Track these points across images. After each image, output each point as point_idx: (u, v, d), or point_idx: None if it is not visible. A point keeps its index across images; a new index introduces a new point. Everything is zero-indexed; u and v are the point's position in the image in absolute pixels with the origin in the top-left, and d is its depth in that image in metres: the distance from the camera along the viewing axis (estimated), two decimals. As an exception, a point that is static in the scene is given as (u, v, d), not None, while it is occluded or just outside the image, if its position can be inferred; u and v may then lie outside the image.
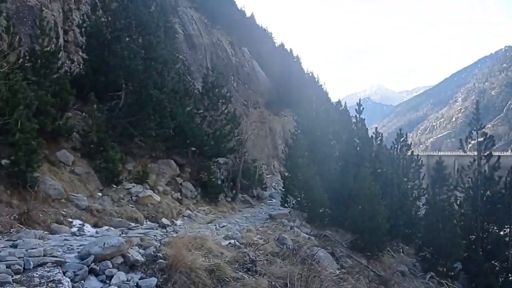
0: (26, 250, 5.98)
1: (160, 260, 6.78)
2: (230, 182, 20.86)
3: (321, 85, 61.00)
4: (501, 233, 19.24)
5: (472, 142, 20.35)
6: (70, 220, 9.40)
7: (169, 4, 30.31)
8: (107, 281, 5.85)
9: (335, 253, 13.90)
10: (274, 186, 30.09)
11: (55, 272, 5.50)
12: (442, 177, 22.13)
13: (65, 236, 8.29)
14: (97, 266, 6.01)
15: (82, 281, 5.63)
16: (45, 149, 10.52)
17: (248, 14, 57.74)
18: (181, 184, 16.72)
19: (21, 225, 8.01)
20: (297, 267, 9.31)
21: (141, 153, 16.01)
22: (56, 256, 6.04)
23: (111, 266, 6.13)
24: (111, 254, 6.26)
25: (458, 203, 19.25)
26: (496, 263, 19.02)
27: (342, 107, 30.69)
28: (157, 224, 11.58)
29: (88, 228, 9.38)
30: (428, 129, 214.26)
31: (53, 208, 9.42)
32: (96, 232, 9.19)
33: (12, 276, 5.18)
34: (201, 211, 15.38)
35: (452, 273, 17.51)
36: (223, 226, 12.95)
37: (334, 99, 52.94)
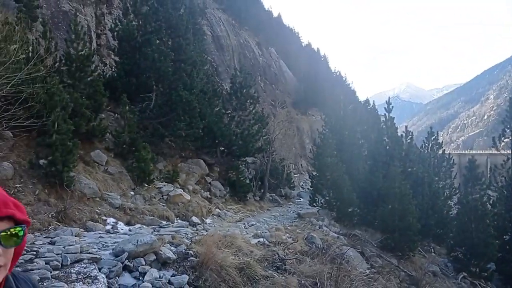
0: (64, 247, 6.20)
1: (191, 258, 6.89)
2: (258, 181, 20.93)
3: (349, 84, 60.28)
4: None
5: (506, 140, 19.77)
6: (104, 218, 9.69)
7: (197, 6, 30.69)
8: (140, 278, 5.98)
9: (365, 253, 13.77)
10: (302, 185, 29.96)
11: (91, 269, 5.67)
12: (474, 176, 21.58)
13: (99, 233, 8.56)
14: (131, 263, 6.16)
15: (117, 278, 5.78)
16: (80, 150, 10.88)
17: (275, 15, 57.67)
18: (210, 183, 16.92)
19: (58, 223, 8.33)
20: (326, 266, 9.28)
21: (171, 153, 16.30)
22: (92, 253, 6.24)
23: (144, 263, 6.27)
24: (144, 252, 6.41)
25: (491, 202, 18.65)
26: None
27: (370, 105, 30.32)
28: (188, 223, 11.77)
29: (121, 226, 9.64)
30: (459, 127, 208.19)
31: (88, 207, 9.74)
32: (129, 230, 9.43)
33: (51, 272, 5.38)
34: (230, 209, 15.53)
35: (486, 274, 16.99)
36: (252, 225, 13.04)
37: (362, 98, 52.30)
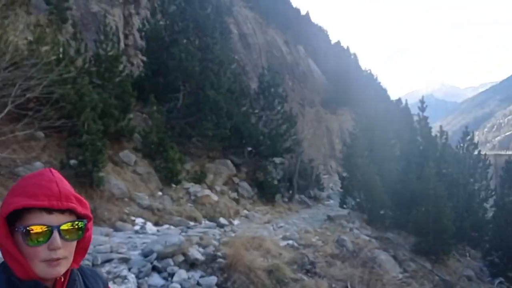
0: (94, 246, 6.22)
1: (220, 259, 6.81)
2: (286, 183, 20.71)
3: (380, 83, 59.15)
4: None
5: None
6: (133, 218, 9.71)
7: (224, 4, 30.68)
8: (169, 278, 5.98)
9: (398, 256, 13.39)
10: (332, 186, 29.57)
11: (121, 268, 5.69)
12: (511, 177, 20.72)
13: (128, 233, 8.58)
14: (159, 263, 6.15)
15: (146, 278, 5.79)
16: (109, 150, 10.95)
17: (303, 12, 57.22)
18: (237, 184, 16.82)
19: (88, 223, 8.35)
20: (357, 270, 9.12)
21: (199, 153, 16.29)
22: (121, 253, 6.25)
23: (172, 263, 6.25)
24: (172, 252, 6.38)
25: (530, 205, 17.86)
26: None
27: (403, 104, 29.65)
28: (215, 224, 11.69)
29: (149, 226, 9.63)
30: (495, 126, 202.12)
31: (117, 207, 9.77)
32: (157, 231, 9.42)
33: (83, 271, 5.38)
34: (258, 211, 15.39)
35: (524, 280, 16.29)
36: (281, 227, 12.86)
37: (393, 97, 51.20)
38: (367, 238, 13.74)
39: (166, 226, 10.09)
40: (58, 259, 1.10)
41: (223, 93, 15.78)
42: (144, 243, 7.16)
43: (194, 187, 13.32)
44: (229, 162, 17.07)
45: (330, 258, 9.60)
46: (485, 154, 24.10)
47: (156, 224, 10.04)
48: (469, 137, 21.98)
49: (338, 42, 60.56)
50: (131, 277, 5.55)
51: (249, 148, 18.74)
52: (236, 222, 12.93)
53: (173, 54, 14.58)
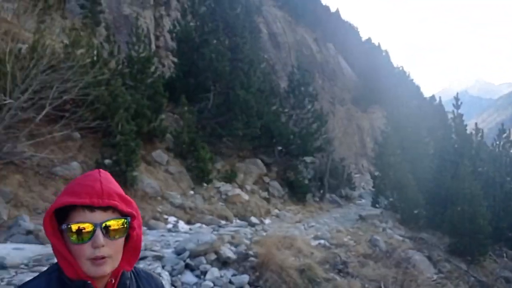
0: (129, 244, 6.34)
1: (251, 258, 6.82)
2: (317, 182, 20.56)
3: (412, 80, 57.78)
4: None
5: None
6: (166, 217, 9.86)
7: (253, 4, 30.73)
8: (201, 276, 6.03)
9: (432, 257, 13.11)
10: (363, 186, 29.15)
11: (156, 266, 5.80)
12: (550, 176, 19.85)
13: (161, 232, 8.71)
14: (192, 261, 6.22)
15: (179, 275, 5.87)
16: (142, 150, 11.15)
17: (333, 10, 56.60)
18: (268, 183, 16.81)
19: (122, 221, 8.54)
20: (391, 270, 8.99)
21: (229, 152, 16.38)
22: (155, 251, 6.36)
23: (204, 262, 6.31)
24: (205, 251, 6.43)
25: None
26: None
27: (436, 102, 28.94)
28: (246, 223, 11.73)
29: (182, 225, 9.77)
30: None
31: (150, 205, 9.95)
32: (190, 229, 9.54)
33: (119, 268, 5.53)
34: (289, 210, 15.34)
35: None
36: (312, 226, 12.78)
37: (426, 94, 49.93)
38: (401, 238, 13.52)
39: (198, 224, 10.20)
40: (102, 257, 1.10)
41: (253, 93, 15.81)
42: (177, 241, 7.26)
43: (225, 186, 13.40)
44: (259, 161, 17.09)
45: (363, 258, 9.47)
46: (522, 152, 23.22)
47: (188, 222, 10.17)
48: (505, 134, 21.27)
49: (369, 39, 59.64)
50: (165, 274, 5.65)
51: (280, 147, 18.69)
52: (267, 221, 12.94)
53: (204, 54, 14.72)
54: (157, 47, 18.05)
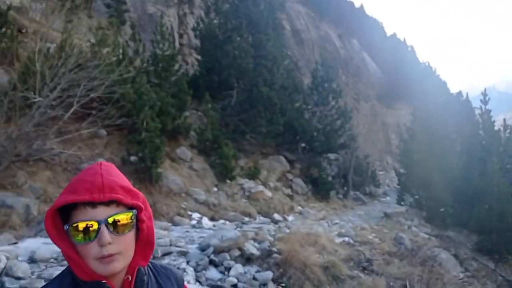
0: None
1: (275, 255, 6.83)
2: (341, 179, 20.37)
3: (439, 76, 56.47)
4: None
5: None
6: (190, 213, 9.97)
7: (276, 1, 30.60)
8: (225, 272, 6.08)
9: (459, 255, 12.86)
10: (388, 183, 28.71)
11: (180, 261, 5.87)
12: None
13: (186, 228, 8.80)
14: (216, 257, 6.27)
15: (204, 271, 5.93)
16: (167, 147, 11.30)
17: (357, 5, 55.84)
18: (291, 180, 16.76)
19: (148, 217, 8.68)
20: (416, 269, 8.90)
21: (252, 149, 16.40)
22: (180, 247, 6.44)
23: (228, 258, 6.35)
24: (229, 247, 6.47)
25: None
26: None
27: (463, 98, 28.23)
28: (270, 219, 11.73)
29: (205, 221, 9.85)
30: None
31: (175, 202, 10.07)
32: (213, 225, 9.61)
33: (145, 264, 5.63)
34: (313, 207, 15.26)
35: None
36: (336, 224, 12.69)
37: (453, 90, 48.68)
38: (427, 236, 13.31)
39: (222, 221, 10.26)
40: (110, 255, 1.03)
41: (277, 89, 15.78)
42: (201, 237, 7.33)
43: (248, 183, 13.44)
44: (282, 158, 17.05)
45: (388, 256, 9.37)
46: (552, 149, 22.47)
47: (212, 219, 10.25)
48: (534, 131, 20.62)
49: (394, 34, 58.53)
50: (190, 270, 5.71)
51: (303, 144, 18.60)
52: (290, 218, 12.91)
53: (227, 51, 14.76)
54: (181, 45, 18.22)
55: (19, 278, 4.72)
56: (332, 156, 20.23)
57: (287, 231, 9.57)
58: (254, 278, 6.12)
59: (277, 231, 9.50)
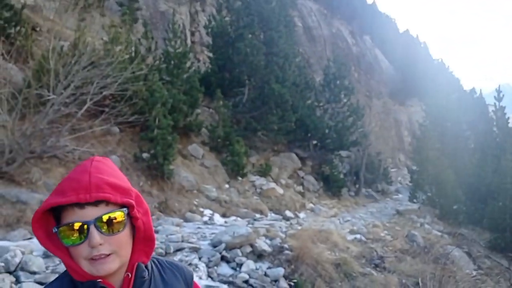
0: (167, 236, 6.50)
1: (287, 251, 6.84)
2: (353, 176, 20.31)
3: (452, 72, 55.75)
4: None
5: None
6: (201, 209, 10.01)
7: (288, -3, 30.51)
8: (237, 268, 6.10)
9: (472, 253, 12.77)
10: (400, 180, 28.52)
11: (193, 257, 5.90)
12: None
13: (197, 224, 8.85)
14: (228, 253, 6.29)
15: (215, 267, 5.96)
16: (179, 144, 11.35)
17: (369, 2, 55.32)
18: (303, 177, 16.74)
19: (160, 213, 8.76)
20: (429, 266, 8.87)
21: (264, 146, 16.40)
22: (192, 243, 6.47)
23: (240, 254, 6.36)
24: (240, 243, 6.48)
25: None
26: None
27: (477, 94, 27.85)
28: (281, 216, 11.75)
29: (217, 218, 9.88)
30: None
31: (187, 198, 10.13)
32: (225, 222, 9.64)
33: (158, 259, 5.68)
34: (324, 204, 15.23)
35: None
36: (347, 221, 12.66)
37: (467, 86, 48.02)
38: (439, 233, 13.24)
39: (233, 217, 10.29)
40: (102, 256, 1.00)
41: (288, 87, 15.74)
42: (212, 233, 7.36)
43: (259, 180, 13.45)
44: (294, 155, 17.03)
45: (400, 253, 9.34)
46: None
47: (223, 215, 10.28)
48: (549, 128, 20.31)
49: (407, 31, 57.93)
50: (202, 266, 5.74)
51: (315, 141, 18.55)
52: (301, 215, 12.90)
53: (239, 49, 14.77)
54: (193, 42, 18.27)
55: (34, 273, 4.79)
56: (344, 153, 20.17)
57: (299, 228, 9.57)
58: (266, 275, 6.13)
59: (289, 228, 9.51)
